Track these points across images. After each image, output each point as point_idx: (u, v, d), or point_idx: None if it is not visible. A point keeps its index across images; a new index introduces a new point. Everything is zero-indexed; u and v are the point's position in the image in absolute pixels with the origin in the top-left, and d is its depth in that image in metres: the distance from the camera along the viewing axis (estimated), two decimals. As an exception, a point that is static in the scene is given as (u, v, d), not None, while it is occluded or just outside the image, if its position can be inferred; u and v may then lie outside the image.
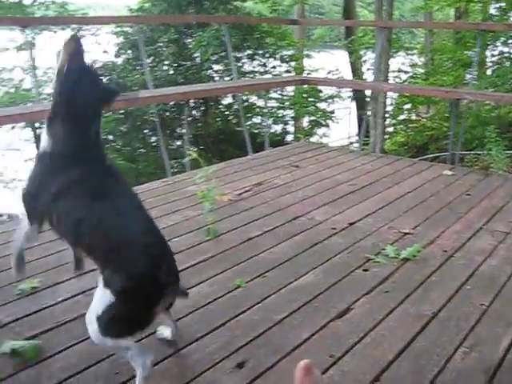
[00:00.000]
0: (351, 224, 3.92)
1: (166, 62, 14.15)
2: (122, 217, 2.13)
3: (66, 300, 2.84)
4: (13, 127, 13.19)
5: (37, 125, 13.90)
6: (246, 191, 4.54)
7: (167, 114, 13.86)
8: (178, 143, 14.39)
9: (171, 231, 3.67)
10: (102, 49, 15.07)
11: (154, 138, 14.07)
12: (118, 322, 2.02)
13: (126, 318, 2.03)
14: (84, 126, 2.17)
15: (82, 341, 2.44)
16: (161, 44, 14.59)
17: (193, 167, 5.54)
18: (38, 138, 14.13)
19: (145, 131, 13.85)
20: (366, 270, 3.22)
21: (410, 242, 3.57)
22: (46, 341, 2.47)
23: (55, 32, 14.66)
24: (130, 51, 14.67)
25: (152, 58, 14.50)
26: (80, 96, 2.15)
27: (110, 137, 13.50)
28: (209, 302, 2.83)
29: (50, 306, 2.79)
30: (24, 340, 2.45)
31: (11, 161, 14.85)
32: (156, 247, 2.14)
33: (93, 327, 2.04)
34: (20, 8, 15.58)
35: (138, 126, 13.59)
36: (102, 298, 2.01)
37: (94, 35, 14.86)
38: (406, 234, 3.73)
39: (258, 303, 2.83)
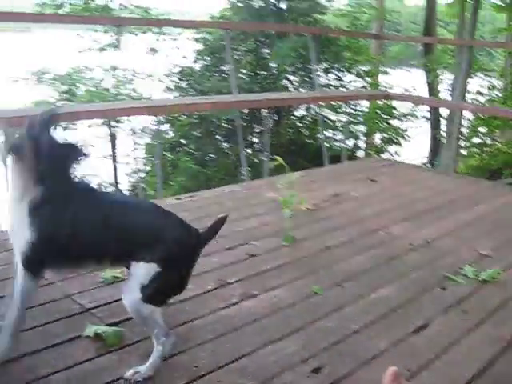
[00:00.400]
0: (429, 241, 3.88)
1: (243, 71, 14.31)
2: (133, 213, 2.33)
3: (145, 291, 2.91)
4: (89, 126, 13.60)
5: (112, 123, 14.38)
6: (324, 201, 4.56)
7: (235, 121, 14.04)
8: (249, 151, 14.54)
9: (250, 235, 3.73)
10: (181, 54, 15.39)
11: (225, 145, 14.29)
12: (162, 289, 2.22)
13: (169, 284, 2.25)
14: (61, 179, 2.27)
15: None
16: (239, 52, 14.77)
17: (270, 174, 5.59)
18: (112, 136, 14.58)
19: (217, 137, 14.05)
20: (443, 289, 3.19)
21: (490, 264, 3.51)
22: (126, 329, 2.54)
23: (136, 35, 15.03)
24: (208, 58, 14.90)
25: (228, 65, 14.73)
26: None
27: (183, 140, 13.73)
28: (286, 306, 2.85)
29: (131, 296, 2.86)
30: (106, 326, 2.53)
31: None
32: (176, 219, 2.35)
33: (134, 296, 2.19)
34: (106, 11, 16.07)
35: (211, 132, 13.79)
36: (147, 270, 2.17)
37: (175, 40, 15.19)
38: (485, 255, 3.67)
39: (335, 311, 2.84)
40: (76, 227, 2.22)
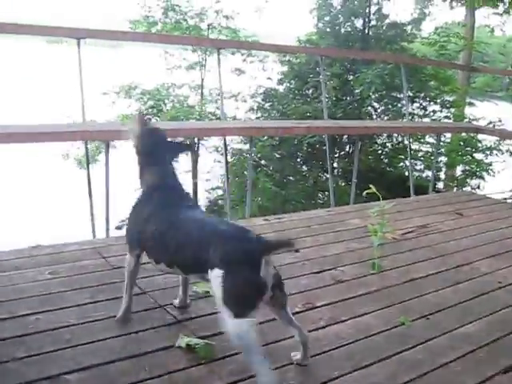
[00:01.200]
0: (519, 281, 3.80)
1: (327, 95, 14.38)
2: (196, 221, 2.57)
3: (237, 308, 2.98)
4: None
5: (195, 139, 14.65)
6: (410, 232, 4.54)
7: (317, 145, 14.08)
8: (327, 175, 14.55)
9: (336, 260, 3.77)
10: (266, 75, 15.60)
11: (304, 167, 14.36)
12: (238, 293, 2.23)
13: (242, 285, 2.22)
14: (163, 167, 2.73)
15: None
16: (322, 77, 14.84)
17: (356, 201, 5.61)
18: (194, 151, 14.82)
19: (297, 159, 14.14)
20: (534, 330, 3.12)
21: None
22: (216, 343, 2.60)
23: (225, 56, 15.31)
24: (292, 80, 15.05)
25: (313, 89, 14.82)
26: (159, 150, 2.74)
27: (263, 161, 13.88)
28: (373, 334, 2.87)
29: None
30: (197, 338, 2.61)
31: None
32: (235, 225, 2.61)
33: (227, 315, 2.23)
34: (196, 30, 16.46)
35: (292, 154, 13.88)
36: (216, 282, 2.26)
37: (262, 62, 15.43)
38: None
39: (422, 343, 2.82)
40: (146, 229, 2.58)
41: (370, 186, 3.56)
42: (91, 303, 2.92)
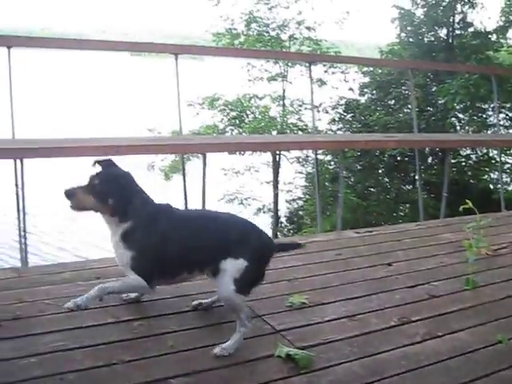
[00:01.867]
0: None
1: (410, 106, 14.24)
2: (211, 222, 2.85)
3: (332, 320, 3.03)
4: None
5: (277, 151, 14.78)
6: (503, 248, 4.46)
7: (398, 157, 13.96)
8: (408, 187, 14.38)
9: (429, 275, 3.74)
10: (347, 86, 15.58)
11: (386, 179, 14.25)
12: (250, 280, 2.70)
13: (255, 276, 2.73)
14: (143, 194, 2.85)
15: (350, 361, 2.62)
16: (405, 88, 14.71)
17: (446, 215, 5.54)
18: (276, 163, 14.98)
19: (379, 171, 14.06)
20: None
21: None
22: (314, 353, 2.64)
23: (306, 67, 15.37)
24: (374, 91, 14.98)
25: (394, 100, 14.70)
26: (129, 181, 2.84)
27: (345, 172, 13.86)
28: (470, 351, 2.84)
29: (318, 322, 2.99)
30: (296, 349, 2.67)
31: (249, 180, 15.89)
32: (254, 224, 2.90)
33: (229, 288, 2.63)
34: (277, 42, 16.61)
35: (373, 166, 13.81)
36: (237, 265, 2.64)
37: (344, 73, 15.43)
38: None
39: (521, 363, 2.78)
40: (166, 243, 2.72)
41: (467, 201, 3.54)
42: (190, 311, 3.02)
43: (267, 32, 16.71)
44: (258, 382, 2.44)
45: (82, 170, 2.92)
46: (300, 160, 15.30)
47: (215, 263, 2.66)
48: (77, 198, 2.70)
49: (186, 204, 4.72)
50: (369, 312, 3.15)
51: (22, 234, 4.32)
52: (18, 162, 3.97)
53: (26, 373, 2.37)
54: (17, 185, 4.13)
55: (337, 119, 15.15)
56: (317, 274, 3.64)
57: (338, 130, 14.78)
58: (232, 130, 15.41)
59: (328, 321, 3.02)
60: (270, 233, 15.98)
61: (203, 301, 3.06)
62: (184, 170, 4.61)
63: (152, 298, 3.10)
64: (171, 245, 2.71)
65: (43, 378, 2.36)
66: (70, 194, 2.70)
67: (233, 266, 2.63)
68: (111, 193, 2.71)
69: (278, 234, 15.18)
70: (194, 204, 4.85)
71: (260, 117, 15.36)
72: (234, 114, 15.47)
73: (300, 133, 14.75)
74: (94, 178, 2.74)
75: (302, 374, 2.52)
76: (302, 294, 3.24)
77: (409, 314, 3.16)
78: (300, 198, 15.80)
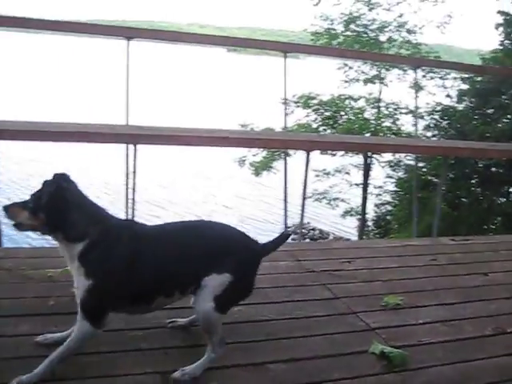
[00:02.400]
0: None
1: (510, 116, 13.85)
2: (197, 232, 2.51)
3: (426, 323, 3.04)
4: (346, 152, 14.07)
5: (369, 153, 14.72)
6: None
7: (493, 168, 13.59)
8: (501, 200, 13.99)
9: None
10: (445, 92, 15.30)
11: (478, 190, 13.92)
12: (233, 297, 2.44)
13: (241, 290, 2.46)
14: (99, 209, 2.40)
15: (443, 365, 2.64)
16: (505, 96, 14.32)
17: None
18: (366, 166, 14.93)
19: (471, 181, 13.75)
20: None
21: None
22: (408, 353, 2.67)
23: (405, 70, 15.23)
24: (473, 99, 14.64)
25: (493, 109, 14.31)
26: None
27: (436, 180, 13.63)
28: None
29: (412, 324, 3.02)
30: (390, 347, 2.72)
31: (338, 181, 15.91)
32: (238, 231, 2.56)
33: (207, 305, 2.31)
34: (375, 44, 16.51)
35: (466, 175, 13.51)
36: (220, 280, 2.33)
37: (442, 79, 15.16)
38: None
39: None
40: (136, 266, 2.30)
41: None
42: (289, 302, 3.13)
43: (366, 33, 16.66)
44: (352, 375, 2.50)
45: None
46: (391, 164, 15.18)
47: (197, 281, 2.34)
48: (11, 213, 2.30)
49: (285, 199, 4.80)
50: (463, 319, 3.14)
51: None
52: (131, 147, 4.17)
53: (133, 344, 2.54)
54: (128, 171, 4.31)
55: (432, 125, 14.90)
56: (411, 277, 3.66)
57: (433, 136, 14.53)
58: (325, 129, 15.45)
59: (422, 323, 3.04)
60: (355, 235, 15.97)
61: (180, 320, 2.77)
62: (286, 165, 4.67)
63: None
64: (143, 267, 2.31)
65: (149, 351, 2.52)
66: (4, 208, 2.31)
67: (215, 282, 2.32)
68: (46, 206, 2.26)
69: (364, 237, 15.14)
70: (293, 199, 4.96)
71: (354, 118, 15.33)
72: (327, 114, 15.51)
73: (393, 137, 14.63)
74: (35, 193, 2.32)
75: (395, 372, 2.56)
76: (397, 295, 3.28)
77: (505, 325, 3.13)
78: (389, 203, 15.68)
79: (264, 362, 2.52)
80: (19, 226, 2.31)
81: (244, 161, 15.48)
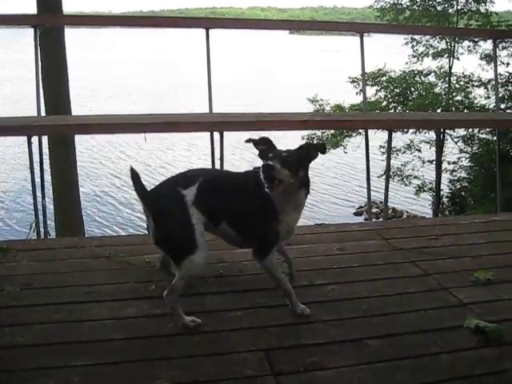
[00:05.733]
0: None
1: None
2: None
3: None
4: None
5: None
6: None
7: None
8: None
9: None
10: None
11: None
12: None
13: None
14: None
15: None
16: None
17: None
18: (439, 142, 14.66)
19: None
20: None
21: None
22: (504, 327, 2.67)
23: (475, 42, 14.87)
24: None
25: None
26: None
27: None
28: None
29: (506, 299, 3.01)
30: (485, 322, 2.73)
31: (410, 158, 15.74)
32: None
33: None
34: (444, 17, 16.14)
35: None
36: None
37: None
38: None
39: None
40: None
41: None
42: (379, 279, 3.18)
43: (433, 6, 16.30)
44: (449, 349, 2.53)
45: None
46: (465, 139, 14.86)
47: None
48: (276, 170, 2.54)
49: (368, 178, 4.80)
50: (558, 292, 3.11)
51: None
52: (216, 134, 4.30)
53: (235, 324, 2.65)
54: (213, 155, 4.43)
55: (506, 97, 14.46)
56: (500, 252, 3.62)
57: (508, 108, 14.10)
58: (395, 107, 15.26)
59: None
60: (429, 213, 15.77)
61: None
62: (368, 142, 4.65)
63: (342, 266, 3.31)
64: None
65: (250, 330, 2.63)
66: (267, 166, 2.55)
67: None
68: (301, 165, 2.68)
69: (439, 214, 14.93)
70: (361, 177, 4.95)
71: (424, 94, 15.06)
72: (397, 90, 15.30)
73: (466, 111, 14.30)
74: (282, 152, 2.67)
75: (492, 346, 2.57)
76: (487, 271, 3.27)
77: None
78: (464, 179, 15.37)
79: (362, 337, 2.59)
80: (276, 184, 2.56)
81: (313, 138, 15.46)
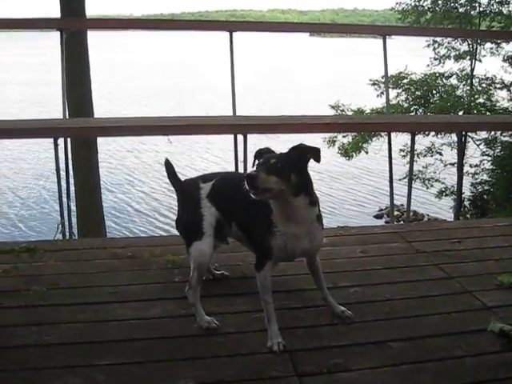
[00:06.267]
0: None
1: None
2: None
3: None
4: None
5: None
6: None
7: None
8: None
9: None
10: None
11: None
12: None
13: None
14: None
15: None
16: None
17: None
18: (461, 144, 14.55)
19: None
20: None
21: None
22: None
23: (498, 44, 14.77)
24: None
25: None
26: None
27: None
28: None
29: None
30: (509, 325, 2.71)
31: (431, 161, 15.66)
32: None
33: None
34: (466, 19, 16.04)
35: None
36: None
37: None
38: None
39: None
40: None
41: None
42: (403, 282, 3.18)
43: (455, 8, 16.20)
44: (473, 353, 2.52)
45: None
46: (487, 142, 14.74)
47: None
48: (261, 180, 2.35)
49: (390, 181, 4.79)
50: None
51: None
52: (240, 136, 4.33)
53: (259, 325, 2.65)
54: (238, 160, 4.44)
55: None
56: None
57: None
58: (416, 109, 15.19)
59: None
60: (450, 217, 15.67)
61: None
62: (390, 145, 4.63)
63: (365, 268, 3.31)
64: None
65: (275, 331, 2.64)
66: (249, 176, 2.38)
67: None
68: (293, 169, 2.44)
69: (461, 218, 14.83)
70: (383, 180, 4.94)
71: (445, 97, 14.96)
72: (418, 93, 15.22)
73: (488, 113, 14.18)
74: (271, 158, 2.47)
75: (514, 349, 2.57)
76: (511, 274, 3.25)
77: None
78: (486, 182, 15.25)
79: (385, 340, 2.59)
80: (262, 193, 2.38)
81: (334, 141, 15.42)
